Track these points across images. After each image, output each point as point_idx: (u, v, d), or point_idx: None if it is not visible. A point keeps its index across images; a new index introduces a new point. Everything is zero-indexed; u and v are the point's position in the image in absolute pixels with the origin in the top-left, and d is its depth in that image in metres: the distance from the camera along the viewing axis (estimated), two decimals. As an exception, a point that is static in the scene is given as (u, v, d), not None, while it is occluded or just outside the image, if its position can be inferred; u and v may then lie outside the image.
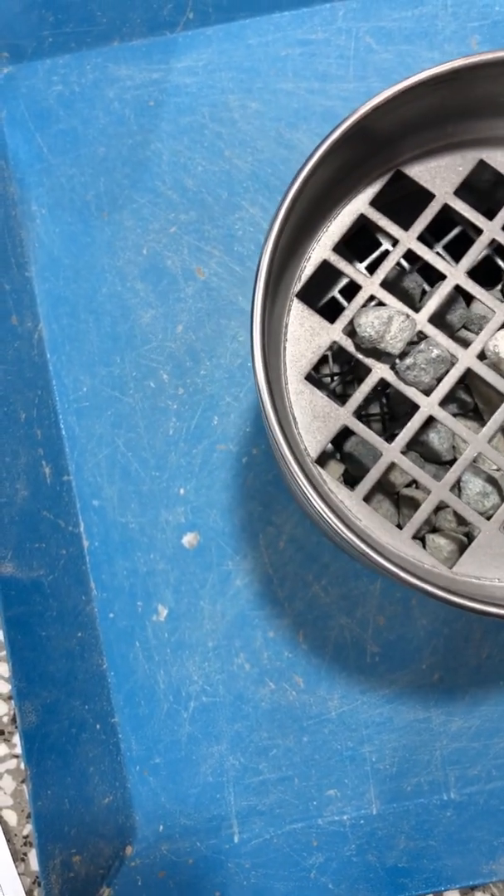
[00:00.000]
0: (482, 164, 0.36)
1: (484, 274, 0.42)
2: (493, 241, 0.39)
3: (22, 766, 0.46)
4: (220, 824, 0.45)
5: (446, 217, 0.42)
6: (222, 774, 0.46)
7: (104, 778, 0.45)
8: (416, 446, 0.40)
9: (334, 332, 0.35)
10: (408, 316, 0.34)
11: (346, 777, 0.45)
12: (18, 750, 0.47)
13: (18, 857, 0.46)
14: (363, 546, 0.30)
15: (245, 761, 0.46)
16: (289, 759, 0.46)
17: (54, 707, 0.44)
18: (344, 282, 0.43)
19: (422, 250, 0.35)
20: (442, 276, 0.36)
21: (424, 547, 0.37)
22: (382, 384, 0.43)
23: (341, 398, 0.44)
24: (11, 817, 0.46)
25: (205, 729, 0.46)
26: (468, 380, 0.40)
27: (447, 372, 0.35)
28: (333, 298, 0.43)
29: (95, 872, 0.43)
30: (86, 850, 0.43)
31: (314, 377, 0.44)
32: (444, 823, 0.44)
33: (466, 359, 0.34)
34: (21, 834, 0.46)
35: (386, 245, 0.43)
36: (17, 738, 0.47)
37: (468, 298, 0.41)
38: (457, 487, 0.38)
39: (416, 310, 0.35)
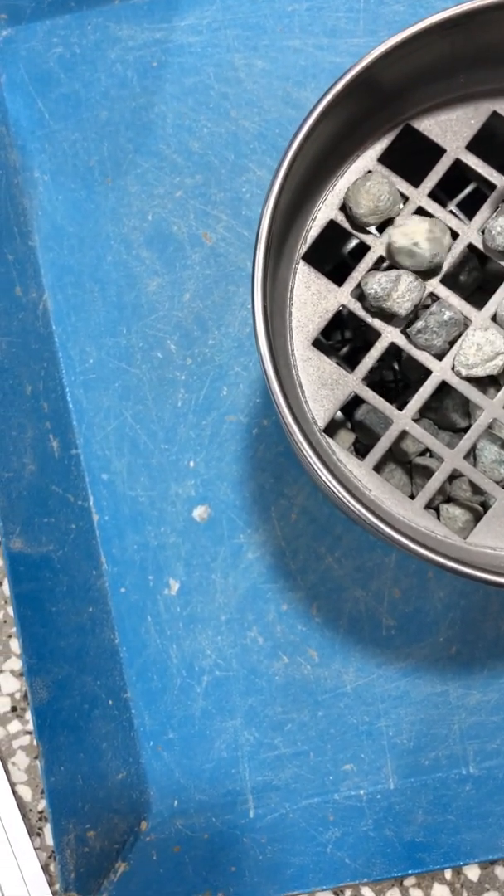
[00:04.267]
0: (496, 117, 0.34)
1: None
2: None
3: (35, 742, 0.46)
4: (235, 799, 0.45)
5: (461, 175, 0.40)
6: (237, 749, 0.45)
7: (117, 753, 0.45)
8: (430, 413, 0.39)
9: (342, 295, 0.34)
10: (417, 276, 0.32)
11: (363, 751, 0.45)
12: (31, 726, 0.46)
13: (34, 833, 0.46)
14: (370, 517, 0.28)
15: (260, 736, 0.45)
16: (304, 734, 0.45)
17: (66, 683, 0.43)
18: (354, 243, 0.41)
19: (433, 207, 0.33)
20: (455, 235, 0.34)
21: (438, 517, 0.36)
22: (395, 350, 0.41)
23: (354, 366, 0.42)
24: (26, 793, 0.46)
25: (218, 703, 0.45)
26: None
27: (461, 335, 0.33)
28: (344, 261, 0.42)
29: (110, 847, 0.43)
30: (100, 826, 0.43)
31: (323, 343, 0.43)
32: (463, 798, 0.44)
33: (480, 320, 0.33)
34: (36, 809, 0.46)
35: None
36: (29, 715, 0.46)
37: (483, 259, 0.39)
38: (472, 455, 0.36)
39: (428, 271, 0.34)
